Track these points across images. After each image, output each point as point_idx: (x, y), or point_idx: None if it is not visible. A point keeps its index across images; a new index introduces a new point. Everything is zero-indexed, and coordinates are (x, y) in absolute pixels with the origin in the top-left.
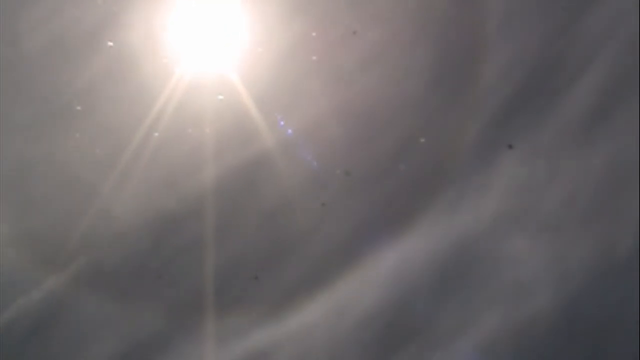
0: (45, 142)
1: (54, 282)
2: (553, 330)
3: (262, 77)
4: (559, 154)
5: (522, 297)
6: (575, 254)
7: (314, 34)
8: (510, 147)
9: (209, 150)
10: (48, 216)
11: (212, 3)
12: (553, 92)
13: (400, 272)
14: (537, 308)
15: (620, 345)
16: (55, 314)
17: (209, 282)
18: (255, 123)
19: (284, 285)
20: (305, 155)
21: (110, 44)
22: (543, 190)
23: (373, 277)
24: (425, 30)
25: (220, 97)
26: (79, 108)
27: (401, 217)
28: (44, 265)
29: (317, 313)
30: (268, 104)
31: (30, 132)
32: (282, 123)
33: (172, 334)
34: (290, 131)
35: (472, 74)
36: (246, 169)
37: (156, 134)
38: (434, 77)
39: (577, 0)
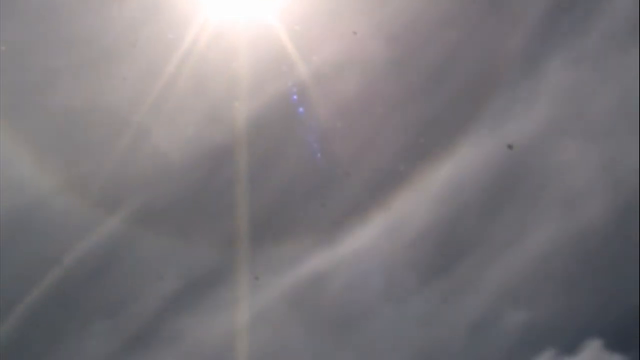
0: (89, 88)
1: (110, 224)
2: (606, 238)
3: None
4: (607, 59)
5: (574, 205)
6: (626, 160)
7: None
8: (510, 147)
9: (249, 82)
10: (99, 160)
11: None
12: None
13: (451, 187)
14: (590, 216)
15: None
16: (115, 255)
17: (261, 212)
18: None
19: (336, 210)
20: (346, 85)
21: None
22: (592, 97)
23: (424, 195)
24: None
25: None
26: (119, 51)
27: (451, 132)
28: (100, 209)
29: (372, 235)
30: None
31: (73, 79)
32: (314, 57)
33: (229, 265)
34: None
35: None
36: (287, 99)
37: (196, 71)
38: None
39: None
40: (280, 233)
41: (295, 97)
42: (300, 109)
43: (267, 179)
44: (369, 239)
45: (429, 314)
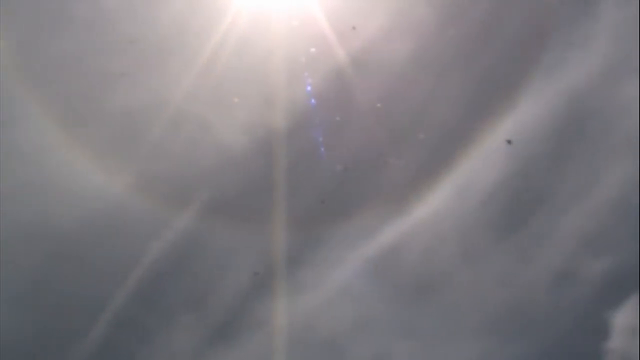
0: (144, 87)
1: (184, 219)
2: None
3: None
4: None
5: None
6: None
7: None
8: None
9: (300, 65)
10: (164, 157)
11: None
12: None
13: (516, 140)
14: None
15: None
16: (192, 249)
17: (328, 191)
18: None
19: (404, 177)
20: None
21: None
22: None
23: (491, 152)
24: None
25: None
26: (168, 48)
27: (510, 84)
28: (172, 205)
29: (442, 198)
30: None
31: (127, 80)
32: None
33: (304, 245)
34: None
35: None
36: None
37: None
38: None
39: None
40: (351, 209)
41: (347, 72)
42: (353, 83)
43: (329, 157)
44: (440, 203)
45: (508, 272)
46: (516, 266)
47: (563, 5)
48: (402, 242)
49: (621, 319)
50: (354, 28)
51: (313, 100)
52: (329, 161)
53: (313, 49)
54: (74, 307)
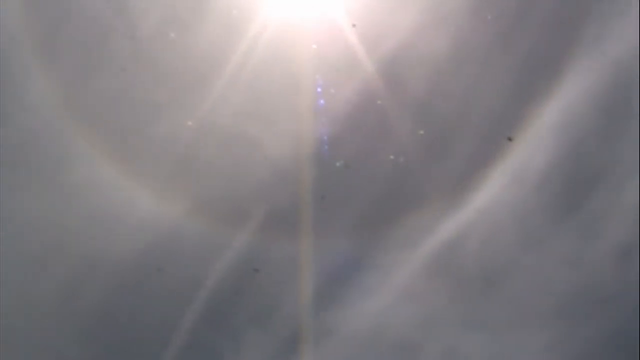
0: (188, 108)
1: (243, 237)
2: None
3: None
4: None
5: None
6: None
7: None
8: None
9: (334, 73)
10: (217, 178)
11: None
12: None
13: (568, 118)
14: None
15: None
16: (253, 266)
17: (381, 192)
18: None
19: (456, 170)
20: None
21: None
22: None
23: (541, 134)
24: None
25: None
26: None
27: (553, 63)
28: (229, 225)
29: (496, 186)
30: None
31: (174, 107)
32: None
33: (364, 250)
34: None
35: None
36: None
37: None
38: None
39: None
40: (406, 208)
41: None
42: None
43: (377, 162)
44: (495, 192)
45: (572, 253)
46: (580, 246)
47: None
48: (460, 235)
49: None
50: (353, 25)
51: (352, 106)
52: (378, 161)
53: (342, 63)
54: (142, 337)
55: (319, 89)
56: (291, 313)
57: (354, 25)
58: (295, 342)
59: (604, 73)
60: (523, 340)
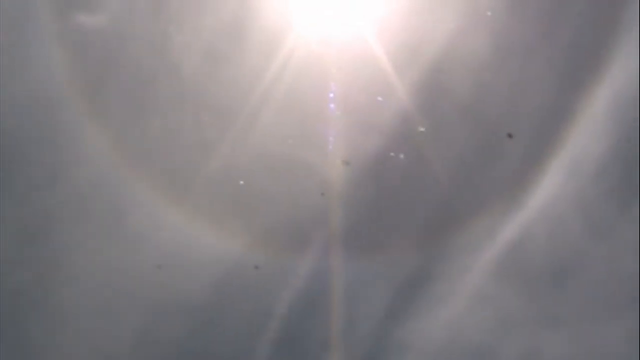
0: (238, 145)
1: (311, 261)
2: None
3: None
4: None
5: None
6: None
7: None
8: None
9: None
10: (274, 207)
11: None
12: None
13: (617, 106)
14: None
15: None
16: (327, 286)
17: (441, 197)
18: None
19: (511, 171)
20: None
21: None
22: None
23: (592, 124)
24: None
25: None
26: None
27: (597, 51)
28: (292, 252)
29: (555, 181)
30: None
31: (222, 142)
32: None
33: (430, 261)
34: None
35: None
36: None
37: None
38: None
39: None
40: (466, 212)
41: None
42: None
43: (431, 170)
44: (554, 186)
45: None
46: None
47: None
48: (525, 233)
49: None
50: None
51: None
52: (432, 169)
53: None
54: None
55: (354, 109)
56: (365, 332)
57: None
58: (373, 358)
59: None
60: (601, 333)
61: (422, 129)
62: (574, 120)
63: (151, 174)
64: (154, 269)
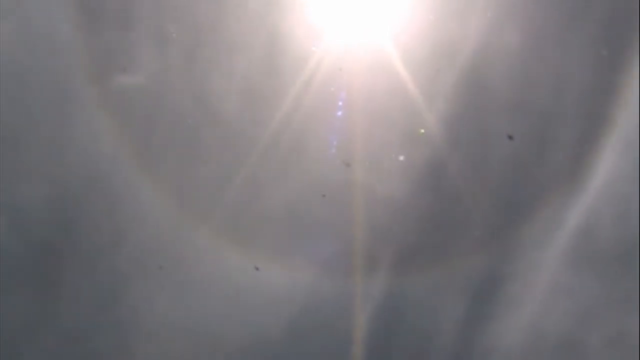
0: (287, 181)
1: (377, 285)
2: None
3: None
4: None
5: None
6: None
7: None
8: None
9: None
10: (333, 232)
11: None
12: None
13: None
14: None
15: None
16: (392, 309)
17: (501, 193)
18: None
19: (570, 157)
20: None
21: None
22: None
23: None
24: None
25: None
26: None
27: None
28: (359, 277)
29: (610, 161)
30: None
31: (271, 180)
32: None
33: (500, 261)
34: None
35: None
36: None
37: None
38: None
39: None
40: (530, 205)
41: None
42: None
43: (485, 167)
44: (610, 166)
45: None
46: None
47: None
48: (591, 216)
49: None
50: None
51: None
52: (486, 167)
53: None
54: None
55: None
56: (448, 344)
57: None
58: None
59: None
60: None
61: (422, 131)
62: (624, 99)
63: (210, 220)
64: (226, 313)
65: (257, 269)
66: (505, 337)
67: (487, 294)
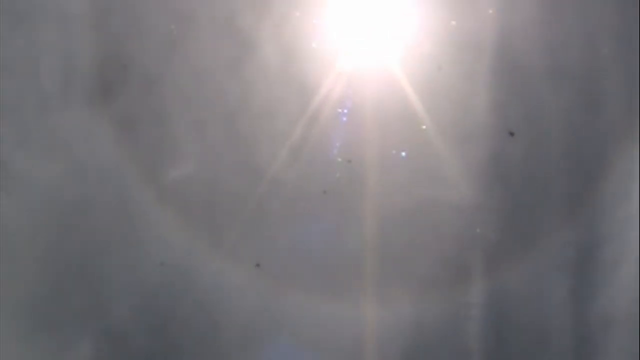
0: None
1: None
2: None
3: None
4: None
5: None
6: None
7: None
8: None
9: None
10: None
11: None
12: None
13: None
14: None
15: None
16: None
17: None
18: None
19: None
20: None
21: None
22: None
23: None
24: None
25: None
26: None
27: None
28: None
29: None
30: None
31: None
32: None
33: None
34: None
35: None
36: None
37: None
38: None
39: None
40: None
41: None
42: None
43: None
44: None
45: None
46: None
47: None
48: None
49: None
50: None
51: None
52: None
53: None
54: None
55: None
56: (564, 322)
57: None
58: None
59: None
60: None
61: (424, 127)
62: None
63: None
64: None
65: (257, 265)
66: (618, 301)
67: (586, 264)
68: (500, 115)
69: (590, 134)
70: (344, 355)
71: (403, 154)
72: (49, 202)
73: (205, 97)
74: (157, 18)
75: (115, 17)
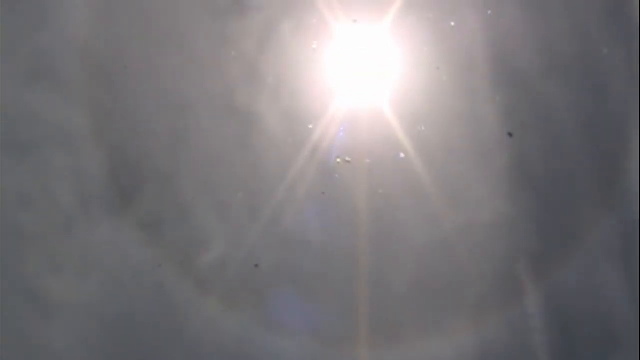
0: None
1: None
2: None
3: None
4: None
5: None
6: None
7: None
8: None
9: None
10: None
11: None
12: None
13: None
14: None
15: None
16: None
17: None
18: None
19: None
20: None
21: None
22: None
23: None
24: None
25: None
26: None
27: None
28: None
29: None
30: None
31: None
32: None
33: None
34: None
35: None
36: None
37: None
38: None
39: None
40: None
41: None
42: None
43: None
44: None
45: None
46: None
47: None
48: None
49: None
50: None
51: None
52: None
53: None
54: None
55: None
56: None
57: None
58: None
59: None
60: None
61: (422, 128)
62: None
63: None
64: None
65: (256, 266)
66: None
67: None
68: (501, 118)
69: (595, 129)
70: None
71: (402, 154)
72: (90, 322)
73: (220, 179)
74: (159, 114)
75: (115, 125)
